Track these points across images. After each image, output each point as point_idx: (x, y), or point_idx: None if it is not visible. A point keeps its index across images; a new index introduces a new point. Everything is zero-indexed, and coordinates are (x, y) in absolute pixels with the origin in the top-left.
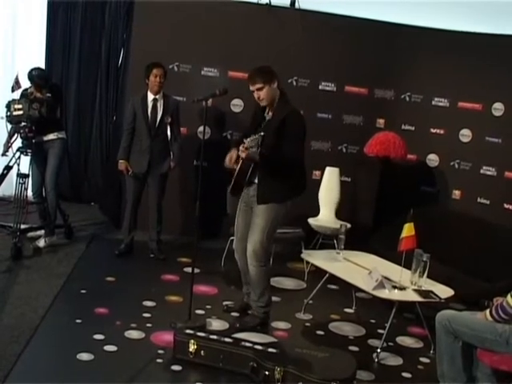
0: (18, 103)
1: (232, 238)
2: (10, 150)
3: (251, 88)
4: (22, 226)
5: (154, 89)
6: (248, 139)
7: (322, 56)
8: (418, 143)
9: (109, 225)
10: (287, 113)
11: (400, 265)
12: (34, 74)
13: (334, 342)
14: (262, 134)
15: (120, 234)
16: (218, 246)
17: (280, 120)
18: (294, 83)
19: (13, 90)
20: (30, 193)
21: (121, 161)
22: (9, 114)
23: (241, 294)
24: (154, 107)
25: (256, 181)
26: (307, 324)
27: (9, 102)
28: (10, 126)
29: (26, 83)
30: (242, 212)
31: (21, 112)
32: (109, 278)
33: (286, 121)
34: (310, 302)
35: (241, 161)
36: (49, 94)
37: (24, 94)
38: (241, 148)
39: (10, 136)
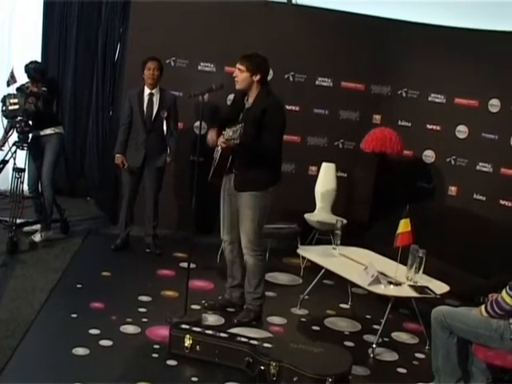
0: (14, 97)
1: None
2: (6, 144)
3: (237, 65)
4: (18, 221)
5: (149, 82)
6: (228, 130)
7: (319, 51)
8: (414, 139)
9: (105, 219)
10: (269, 103)
11: (396, 260)
12: (31, 67)
13: (330, 338)
14: (242, 124)
15: (116, 229)
16: (213, 241)
17: (261, 110)
18: (291, 78)
19: (8, 85)
20: (25, 187)
21: (117, 155)
22: (4, 108)
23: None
24: (150, 102)
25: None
26: (303, 319)
27: (4, 96)
28: (6, 121)
29: (21, 78)
30: (226, 202)
31: (16, 106)
32: (105, 273)
33: (267, 111)
34: (306, 297)
35: (220, 150)
36: (45, 88)
37: (20, 89)
38: (221, 139)
39: (6, 131)
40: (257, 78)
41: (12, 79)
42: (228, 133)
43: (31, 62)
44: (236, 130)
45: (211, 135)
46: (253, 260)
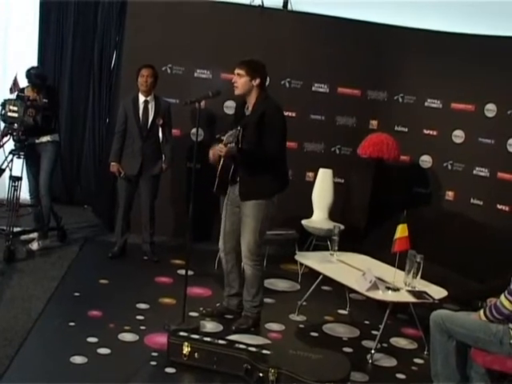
0: (14, 105)
1: None
2: (2, 150)
3: (235, 70)
4: (15, 229)
5: (142, 89)
6: (226, 135)
7: (315, 57)
8: (411, 144)
9: (102, 227)
10: (266, 107)
11: (393, 266)
12: (32, 73)
13: (328, 344)
14: (239, 128)
15: (113, 237)
16: (211, 248)
17: (259, 114)
18: (287, 85)
19: (11, 92)
20: (23, 195)
21: (113, 163)
22: (3, 112)
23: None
24: (146, 109)
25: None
26: (301, 325)
27: (4, 100)
28: (3, 125)
29: (23, 84)
30: (228, 211)
31: (15, 115)
32: (102, 281)
33: (266, 115)
34: (304, 303)
35: (222, 158)
36: (45, 100)
37: (20, 97)
38: (220, 145)
39: (2, 135)
40: (256, 82)
41: (15, 86)
42: (227, 138)
43: (32, 68)
44: (231, 134)
45: (213, 150)
46: (251, 270)
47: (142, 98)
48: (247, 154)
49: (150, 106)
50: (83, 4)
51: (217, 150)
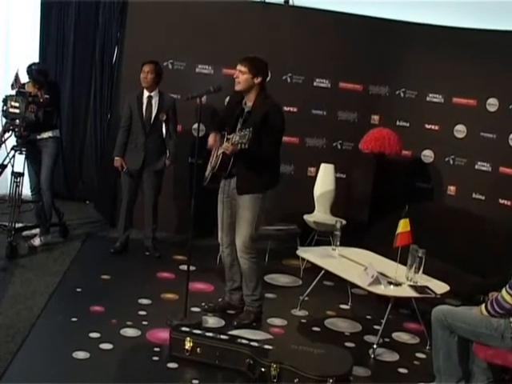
0: (16, 101)
1: None
2: (4, 146)
3: (237, 66)
4: (17, 225)
5: (144, 84)
6: (234, 135)
7: (317, 53)
8: (412, 139)
9: (104, 223)
10: (270, 107)
11: (395, 261)
12: (34, 69)
13: (330, 339)
14: (250, 129)
15: (115, 232)
16: (213, 244)
17: (262, 114)
18: (289, 80)
19: (12, 88)
20: (25, 191)
21: (116, 158)
22: (5, 108)
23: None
24: (149, 104)
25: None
26: (303, 320)
27: (6, 96)
28: (4, 121)
29: (25, 80)
30: (223, 204)
31: (17, 111)
32: (104, 277)
33: (269, 115)
34: (306, 298)
35: (222, 155)
36: (47, 96)
37: (22, 93)
38: (226, 144)
39: (4, 131)
40: (258, 80)
41: (16, 82)
42: (235, 137)
43: (34, 64)
44: (244, 135)
45: (213, 137)
46: (247, 263)
47: (146, 94)
48: (251, 153)
49: (153, 102)
50: (84, 2)
51: (223, 148)
